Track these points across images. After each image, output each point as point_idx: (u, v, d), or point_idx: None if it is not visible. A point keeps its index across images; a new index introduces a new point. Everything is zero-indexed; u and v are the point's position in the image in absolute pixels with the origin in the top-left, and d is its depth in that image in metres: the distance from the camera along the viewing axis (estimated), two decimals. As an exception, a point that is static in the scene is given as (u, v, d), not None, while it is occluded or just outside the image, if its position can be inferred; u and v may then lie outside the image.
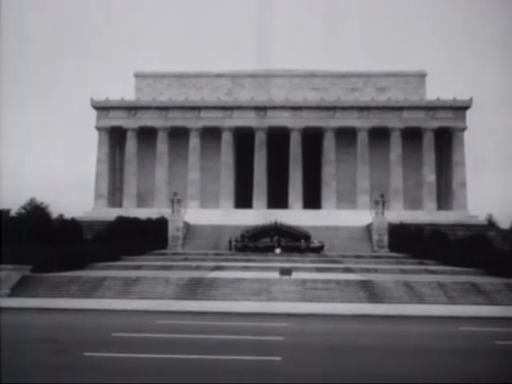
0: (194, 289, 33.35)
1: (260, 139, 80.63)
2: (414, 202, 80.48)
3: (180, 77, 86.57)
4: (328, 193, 79.37)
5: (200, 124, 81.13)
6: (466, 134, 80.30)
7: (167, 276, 36.41)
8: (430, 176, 79.12)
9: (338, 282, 34.54)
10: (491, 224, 79.10)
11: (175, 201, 65.10)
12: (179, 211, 65.13)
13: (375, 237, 64.69)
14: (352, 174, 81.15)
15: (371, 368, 15.68)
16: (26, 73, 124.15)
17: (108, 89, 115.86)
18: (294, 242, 60.89)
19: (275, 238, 60.92)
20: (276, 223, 62.41)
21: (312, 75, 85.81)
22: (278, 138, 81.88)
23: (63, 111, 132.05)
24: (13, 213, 67.64)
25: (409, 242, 61.31)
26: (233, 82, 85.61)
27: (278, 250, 58.60)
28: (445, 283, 34.38)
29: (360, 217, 71.18)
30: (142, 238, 59.15)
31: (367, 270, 43.07)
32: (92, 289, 33.34)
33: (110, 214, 72.76)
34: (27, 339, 19.33)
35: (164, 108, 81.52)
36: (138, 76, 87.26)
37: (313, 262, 50.64)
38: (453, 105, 79.65)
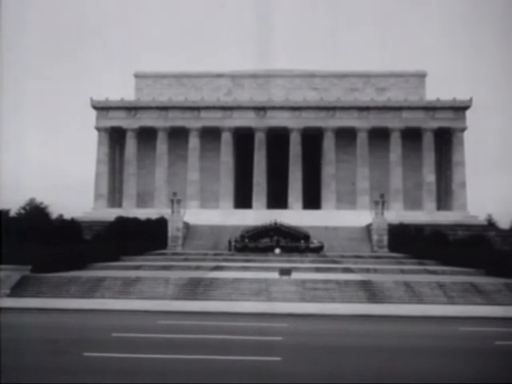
0: (194, 289, 33.34)
1: (260, 139, 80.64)
2: (413, 202, 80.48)
3: (180, 77, 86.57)
4: (328, 193, 79.39)
5: (200, 124, 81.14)
6: (466, 134, 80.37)
7: (167, 276, 36.39)
8: (429, 176, 79.15)
9: (337, 282, 34.53)
10: (491, 224, 79.05)
11: (175, 201, 65.08)
12: (179, 211, 65.10)
13: (375, 237, 64.69)
14: (352, 174, 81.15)
15: (371, 368, 15.68)
16: (26, 73, 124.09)
17: (108, 89, 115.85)
18: (294, 242, 60.87)
19: (275, 238, 60.90)
20: (276, 223, 62.41)
21: (312, 75, 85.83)
22: (277, 139, 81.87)
23: (63, 111, 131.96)
24: (12, 213, 67.53)
25: (408, 242, 61.31)
26: (232, 82, 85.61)
27: (277, 251, 58.60)
28: (445, 283, 34.37)
29: (360, 217, 71.20)
30: (141, 239, 59.13)
31: (367, 270, 43.04)
32: (92, 289, 33.32)
33: (110, 214, 72.73)
34: (27, 339, 19.33)
35: (164, 108, 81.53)
36: (137, 76, 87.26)
37: (312, 262, 50.61)
38: (452, 105, 79.69)
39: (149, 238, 60.78)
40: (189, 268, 43.70)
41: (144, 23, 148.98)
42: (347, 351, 18.02)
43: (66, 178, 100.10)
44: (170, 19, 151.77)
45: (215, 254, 56.88)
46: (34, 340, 19.28)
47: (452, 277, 39.46)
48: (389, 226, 64.95)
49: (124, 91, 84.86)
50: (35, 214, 69.03)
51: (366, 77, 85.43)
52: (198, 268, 43.55)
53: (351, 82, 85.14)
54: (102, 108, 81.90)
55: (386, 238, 64.15)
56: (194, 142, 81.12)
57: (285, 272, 36.11)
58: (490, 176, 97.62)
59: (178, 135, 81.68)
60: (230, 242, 62.29)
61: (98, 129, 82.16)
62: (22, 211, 72.11)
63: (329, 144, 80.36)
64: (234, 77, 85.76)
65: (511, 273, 37.98)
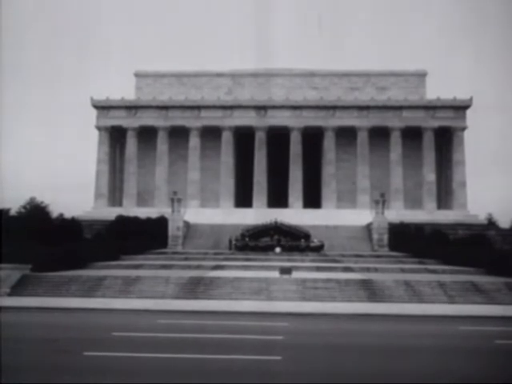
0: (194, 288, 33.34)
1: (260, 138, 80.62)
2: (414, 202, 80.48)
3: (180, 76, 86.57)
4: (328, 192, 79.38)
5: (200, 123, 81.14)
6: (466, 133, 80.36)
7: (167, 275, 36.40)
8: (430, 175, 79.13)
9: (338, 281, 34.53)
10: (491, 223, 79.06)
11: (175, 200, 65.08)
12: (179, 210, 65.11)
13: (375, 236, 64.71)
14: (352, 173, 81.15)
15: (371, 367, 15.69)
16: (26, 72, 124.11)
17: (108, 88, 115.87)
18: (294, 241, 60.89)
19: (275, 237, 60.92)
20: (276, 222, 62.42)
21: (312, 74, 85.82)
22: (278, 138, 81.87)
23: (63, 110, 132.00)
24: (13, 212, 67.56)
25: (409, 241, 61.32)
26: (233, 81, 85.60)
27: (277, 249, 58.61)
28: (445, 282, 34.38)
29: (360, 216, 71.21)
30: (142, 238, 59.15)
31: (367, 269, 43.05)
32: (92, 288, 33.33)
33: (110, 213, 72.75)
34: (27, 339, 19.34)
35: (164, 107, 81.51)
36: (138, 75, 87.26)
37: (313, 261, 50.63)
38: (453, 104, 79.65)
39: (149, 237, 60.80)
40: (189, 267, 43.73)
41: (144, 23, 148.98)
42: (347, 350, 18.02)
43: (66, 178, 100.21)
44: (170, 19, 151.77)
45: (215, 253, 56.90)
46: (34, 339, 19.28)
47: (452, 276, 39.48)
48: (389, 225, 64.98)
49: (124, 90, 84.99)
50: (35, 213, 69.04)
51: (366, 76, 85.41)
52: (198, 267, 43.59)
53: (351, 81, 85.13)
54: (102, 107, 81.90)
55: (386, 237, 64.19)
56: (194, 141, 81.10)
57: (285, 271, 36.12)
58: (489, 176, 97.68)
59: (178, 134, 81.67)
60: (230, 241, 62.31)
61: (99, 128, 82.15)
62: (23, 210, 72.14)
63: (329, 143, 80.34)
64: (235, 76, 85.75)
65: (511, 272, 38.00)
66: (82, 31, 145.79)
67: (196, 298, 31.95)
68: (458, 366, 15.98)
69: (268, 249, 59.08)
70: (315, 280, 34.73)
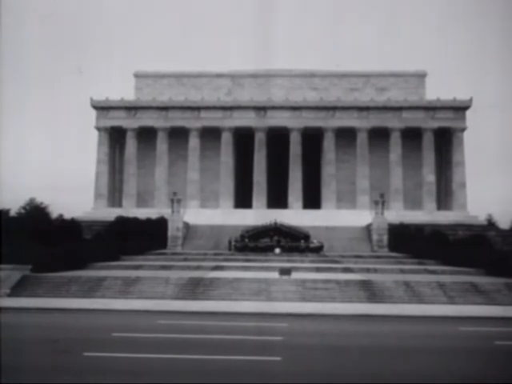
0: (194, 289, 33.35)
1: (260, 139, 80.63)
2: (413, 202, 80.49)
3: (180, 77, 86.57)
4: (328, 193, 79.38)
5: (200, 124, 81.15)
6: (466, 134, 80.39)
7: (167, 276, 36.40)
8: (429, 176, 79.15)
9: (337, 281, 34.53)
10: (491, 224, 79.03)
11: (175, 201, 65.10)
12: (179, 211, 65.11)
13: (375, 237, 64.69)
14: (352, 174, 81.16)
15: (371, 368, 15.69)
16: (26, 73, 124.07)
17: (108, 89, 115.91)
18: (294, 242, 60.87)
19: (275, 238, 60.90)
20: (276, 223, 62.41)
21: (312, 75, 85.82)
22: (277, 138, 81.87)
23: (63, 111, 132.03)
24: (12, 213, 67.56)
25: (409, 241, 61.28)
26: (232, 81, 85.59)
27: (277, 250, 58.59)
28: (445, 283, 34.39)
29: (360, 217, 71.21)
30: (141, 238, 59.15)
31: (367, 270, 43.05)
32: (92, 289, 33.34)
33: (110, 214, 72.75)
34: (27, 339, 19.34)
35: (164, 108, 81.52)
36: (137, 76, 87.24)
37: (312, 261, 50.61)
38: (453, 105, 79.66)
39: (149, 237, 60.80)
40: (189, 268, 43.71)
41: (144, 23, 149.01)
42: (347, 351, 18.03)
43: (66, 178, 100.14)
44: (170, 19, 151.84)
45: (215, 254, 56.87)
46: (34, 340, 19.28)
47: (452, 276, 39.46)
48: (389, 226, 64.96)
49: (124, 91, 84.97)
50: (35, 213, 69.05)
51: (366, 77, 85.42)
52: (198, 268, 43.56)
53: (351, 82, 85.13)
54: (102, 108, 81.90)
55: (386, 238, 64.18)
56: (194, 141, 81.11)
57: (285, 272, 36.13)
58: (489, 176, 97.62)
59: (178, 135, 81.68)
60: (230, 242, 62.29)
61: (98, 128, 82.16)
62: (22, 211, 72.12)
63: (329, 144, 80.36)
64: (234, 77, 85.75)
65: (511, 273, 38.01)
66: (82, 31, 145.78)
67: (196, 298, 31.96)
68: (458, 367, 16.00)
69: (268, 249, 59.06)
70: (315, 281, 34.73)
